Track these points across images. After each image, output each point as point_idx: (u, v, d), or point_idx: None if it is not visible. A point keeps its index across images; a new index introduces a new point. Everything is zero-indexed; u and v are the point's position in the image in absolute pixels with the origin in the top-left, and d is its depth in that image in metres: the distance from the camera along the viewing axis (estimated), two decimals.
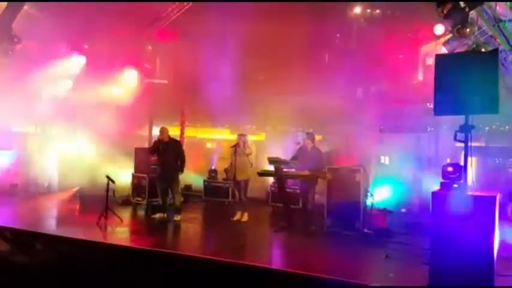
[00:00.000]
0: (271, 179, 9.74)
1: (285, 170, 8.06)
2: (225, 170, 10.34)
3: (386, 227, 7.67)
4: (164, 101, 12.98)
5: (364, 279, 5.17)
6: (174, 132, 11.84)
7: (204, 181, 10.84)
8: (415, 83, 11.08)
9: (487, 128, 10.27)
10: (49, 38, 10.89)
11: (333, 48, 12.67)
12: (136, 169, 10.05)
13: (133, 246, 6.52)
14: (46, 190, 11.32)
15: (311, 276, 5.12)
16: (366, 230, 7.47)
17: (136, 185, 9.86)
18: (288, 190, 8.86)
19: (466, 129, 4.97)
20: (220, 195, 10.50)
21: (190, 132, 14.30)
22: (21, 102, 11.10)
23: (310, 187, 8.00)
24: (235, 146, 8.60)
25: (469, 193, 4.80)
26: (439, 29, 8.48)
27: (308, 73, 11.04)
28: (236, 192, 8.82)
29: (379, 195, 8.46)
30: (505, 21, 7.15)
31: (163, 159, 8.58)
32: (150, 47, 13.31)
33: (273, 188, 9.78)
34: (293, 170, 8.04)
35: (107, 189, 8.18)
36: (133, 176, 9.99)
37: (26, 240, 6.74)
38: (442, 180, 4.98)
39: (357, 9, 12.35)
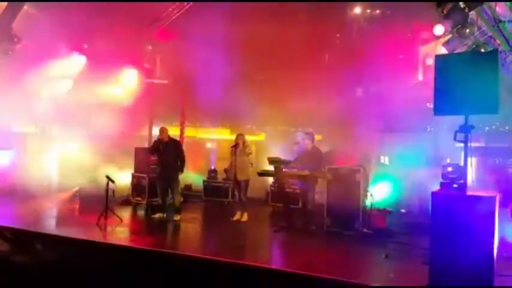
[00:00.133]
0: (271, 179, 9.74)
1: (284, 170, 8.06)
2: (225, 170, 10.34)
3: (386, 227, 7.68)
4: (164, 101, 12.98)
5: (364, 279, 5.18)
6: (174, 132, 11.84)
7: (204, 181, 10.85)
8: (415, 83, 11.09)
9: (487, 128, 10.27)
10: (49, 38, 10.88)
11: (333, 48, 12.68)
12: (136, 169, 10.05)
13: (133, 246, 6.52)
14: (46, 190, 11.31)
15: (311, 276, 5.12)
16: (365, 230, 7.47)
17: (136, 185, 9.86)
18: (287, 190, 8.86)
19: (465, 130, 4.97)
20: (220, 195, 10.51)
21: (190, 132, 14.30)
22: (21, 102, 11.11)
23: (310, 187, 8.00)
24: (235, 146, 8.60)
25: (469, 193, 4.81)
26: (439, 29, 8.48)
27: (308, 73, 11.04)
28: (236, 192, 8.82)
29: (379, 195, 8.45)
30: (504, 21, 7.15)
31: (163, 159, 8.59)
32: (150, 47, 13.31)
33: (272, 188, 9.78)
34: (294, 170, 8.04)
35: (107, 189, 8.18)
36: (133, 176, 9.99)
37: (26, 240, 6.74)
38: (441, 180, 4.98)
39: (357, 10, 12.36)
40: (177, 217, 8.46)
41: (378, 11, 12.28)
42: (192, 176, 11.06)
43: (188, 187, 11.26)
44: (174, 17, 12.12)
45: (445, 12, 7.26)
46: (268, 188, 10.13)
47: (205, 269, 5.68)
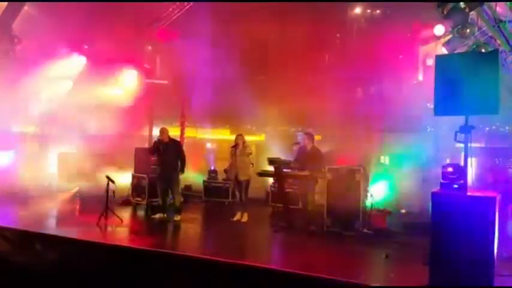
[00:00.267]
0: (271, 179, 9.74)
1: (284, 170, 8.06)
2: (225, 171, 10.35)
3: (386, 227, 7.67)
4: (164, 101, 12.99)
5: (364, 280, 5.17)
6: (174, 132, 11.84)
7: (204, 181, 10.84)
8: (415, 83, 11.09)
9: (487, 128, 10.27)
10: (49, 38, 10.89)
11: (333, 48, 12.68)
12: (136, 169, 10.04)
13: (133, 247, 6.52)
14: (46, 190, 11.31)
15: (311, 276, 5.12)
16: (365, 230, 7.47)
17: (136, 185, 9.85)
18: (287, 190, 8.86)
19: (466, 130, 4.97)
20: (220, 195, 10.50)
21: (190, 133, 14.31)
22: (21, 102, 11.11)
23: (310, 187, 8.00)
24: (235, 147, 8.60)
25: (469, 194, 4.80)
26: (439, 29, 8.49)
27: (308, 73, 11.05)
28: (237, 193, 8.82)
29: (379, 195, 8.46)
30: (505, 21, 7.15)
31: (163, 159, 8.58)
32: (150, 47, 13.32)
33: (272, 188, 9.78)
34: (294, 170, 8.04)
35: (107, 190, 8.17)
36: (133, 176, 9.98)
37: (26, 240, 6.74)
38: (442, 180, 4.98)
39: (357, 10, 12.37)
40: (177, 217, 8.46)
41: (378, 11, 12.29)
42: (192, 176, 11.04)
43: (188, 187, 11.24)
44: (174, 17, 12.12)
45: (445, 12, 7.26)
46: (268, 189, 10.11)
47: (206, 269, 5.68)
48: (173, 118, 13.69)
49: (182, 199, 8.97)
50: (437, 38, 8.83)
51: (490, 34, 7.47)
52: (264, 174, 8.56)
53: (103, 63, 11.87)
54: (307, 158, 7.96)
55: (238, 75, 11.74)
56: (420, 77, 11.04)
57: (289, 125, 13.43)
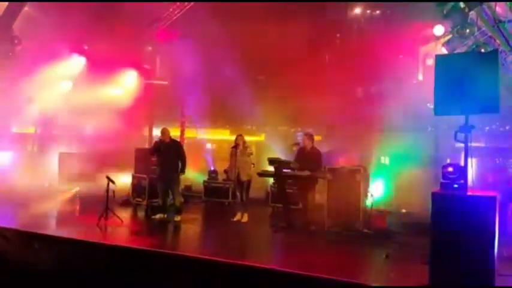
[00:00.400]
0: (271, 180, 9.73)
1: (284, 170, 8.06)
2: (225, 171, 10.35)
3: (386, 227, 7.67)
4: (164, 101, 13.00)
5: (364, 279, 5.18)
6: (174, 133, 11.84)
7: (204, 182, 10.84)
8: (415, 83, 11.09)
9: (487, 128, 10.27)
10: (49, 38, 10.90)
11: (333, 48, 12.68)
12: (136, 170, 10.04)
13: (133, 247, 6.51)
14: (46, 190, 11.31)
15: (311, 276, 5.11)
16: (365, 230, 7.47)
17: (136, 186, 9.85)
18: (287, 190, 8.86)
19: (466, 130, 4.97)
20: (220, 195, 10.49)
21: (190, 133, 14.32)
22: (22, 102, 11.12)
23: (310, 187, 7.99)
24: (235, 147, 8.60)
25: (470, 193, 4.80)
26: (439, 29, 8.49)
27: (308, 73, 11.05)
28: (237, 193, 8.82)
29: (379, 195, 8.46)
30: (504, 21, 7.16)
31: (164, 159, 8.57)
32: (150, 48, 13.33)
33: (273, 189, 9.78)
34: (294, 170, 8.03)
35: (107, 190, 8.17)
36: (133, 177, 9.98)
37: (26, 240, 6.74)
38: (442, 180, 4.98)
39: (357, 10, 12.37)
40: (177, 218, 8.45)
41: (378, 11, 12.29)
42: (192, 175, 11.03)
43: (188, 188, 11.25)
44: (174, 18, 12.12)
45: (445, 12, 7.27)
46: (269, 189, 10.12)
47: (206, 269, 5.68)
48: (173, 118, 13.70)
49: (182, 199, 8.96)
50: (437, 38, 8.82)
51: (489, 34, 7.47)
52: (264, 174, 8.56)
53: (103, 64, 11.88)
54: (307, 158, 7.95)
55: (238, 75, 11.75)
56: (420, 77, 11.04)
57: (289, 125, 13.43)
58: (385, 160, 10.46)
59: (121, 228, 7.82)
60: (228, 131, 14.79)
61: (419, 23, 9.94)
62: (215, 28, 11.26)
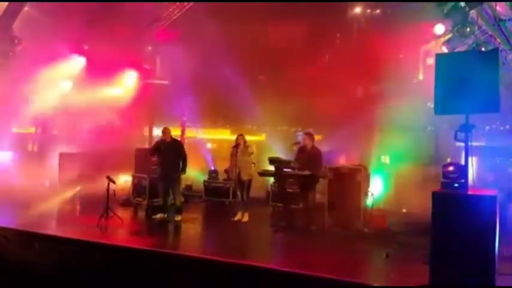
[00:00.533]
0: (271, 179, 9.73)
1: (285, 169, 8.05)
2: (225, 171, 10.34)
3: (386, 227, 7.67)
4: (164, 101, 12.99)
5: (364, 279, 5.17)
6: (174, 132, 11.83)
7: (204, 181, 10.83)
8: (415, 82, 11.08)
9: (487, 127, 10.26)
10: (49, 38, 10.90)
11: (333, 48, 12.68)
12: (137, 169, 10.04)
13: (133, 247, 6.51)
14: (46, 190, 11.30)
15: (311, 275, 5.11)
16: (366, 230, 7.47)
17: (137, 186, 9.84)
18: (288, 190, 8.85)
19: (466, 129, 4.96)
20: (221, 195, 10.48)
21: (191, 133, 14.31)
22: (22, 102, 11.11)
23: (311, 187, 7.99)
24: (236, 147, 8.60)
25: (470, 192, 4.79)
26: (440, 28, 8.47)
27: (308, 73, 11.04)
28: (238, 192, 8.81)
29: (379, 194, 8.46)
30: (505, 20, 7.15)
31: (165, 159, 8.56)
32: (150, 48, 13.32)
33: (273, 188, 9.77)
34: (295, 170, 8.03)
35: (108, 190, 8.17)
36: (134, 177, 9.98)
37: (26, 240, 6.73)
38: (442, 179, 4.97)
39: (357, 9, 12.36)
40: (178, 217, 8.45)
41: (378, 11, 12.28)
42: (193, 175, 11.02)
43: (189, 187, 11.24)
44: (174, 18, 12.12)
45: (445, 11, 7.26)
46: (269, 188, 10.11)
47: (206, 269, 5.68)
48: (173, 118, 13.68)
49: (183, 199, 8.96)
50: (438, 37, 8.81)
51: (490, 33, 7.46)
52: (264, 173, 8.56)
53: (103, 64, 11.87)
54: (307, 157, 7.95)
55: (239, 75, 11.75)
56: (420, 76, 11.03)
57: (289, 124, 13.42)
58: (386, 159, 10.45)
59: (121, 228, 7.81)
60: (228, 131, 14.78)
61: (419, 22, 9.93)
62: (215, 27, 11.25)
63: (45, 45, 11.00)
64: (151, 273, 5.84)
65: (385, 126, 10.13)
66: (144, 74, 13.04)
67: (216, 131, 15.34)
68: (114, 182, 8.33)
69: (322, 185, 8.04)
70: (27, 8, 10.24)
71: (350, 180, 7.60)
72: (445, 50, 7.94)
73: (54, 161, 11.95)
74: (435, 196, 4.77)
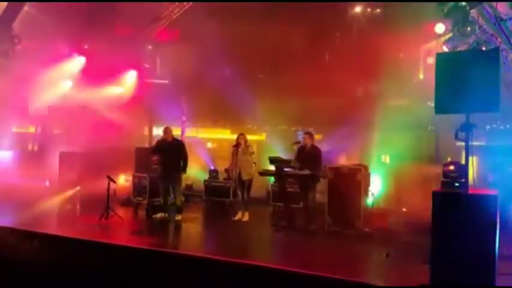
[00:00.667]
0: (272, 178, 9.73)
1: (285, 169, 8.05)
2: (226, 170, 10.34)
3: (386, 226, 7.66)
4: (164, 100, 12.98)
5: (364, 278, 5.17)
6: (174, 132, 11.82)
7: (205, 181, 10.82)
8: (416, 81, 11.07)
9: (488, 126, 10.26)
10: (49, 38, 10.89)
11: (333, 47, 12.67)
12: (137, 169, 10.04)
13: (134, 246, 6.51)
14: (47, 190, 11.30)
15: (311, 275, 5.11)
16: (366, 229, 7.46)
17: (137, 185, 9.84)
18: (288, 189, 8.85)
19: (466, 128, 4.95)
20: (221, 194, 10.48)
21: (191, 132, 14.30)
22: (22, 102, 11.11)
23: (311, 186, 7.98)
24: (237, 146, 8.60)
25: (470, 192, 4.78)
26: (440, 27, 8.46)
27: (308, 72, 11.04)
28: (238, 192, 8.81)
29: (379, 194, 8.45)
30: (505, 20, 7.14)
31: (166, 159, 8.55)
32: (150, 47, 13.32)
33: (273, 187, 9.77)
34: (295, 169, 8.03)
35: (108, 189, 8.17)
36: (134, 176, 9.98)
37: (26, 240, 6.73)
38: (443, 179, 4.97)
39: (358, 8, 12.35)
40: (178, 217, 8.45)
41: (378, 10, 12.27)
42: (194, 174, 11.02)
43: (189, 187, 11.24)
44: (174, 17, 12.11)
45: (445, 11, 7.25)
46: (269, 188, 10.11)
47: (206, 268, 5.68)
48: (173, 118, 13.67)
49: (183, 199, 8.96)
50: (438, 36, 8.80)
51: (490, 32, 7.45)
52: (265, 173, 8.55)
53: (103, 63, 11.87)
54: (307, 156, 7.94)
55: (239, 74, 11.74)
56: (421, 76, 11.02)
57: (289, 124, 13.42)
58: (386, 159, 10.45)
59: (122, 228, 7.82)
60: (228, 130, 14.77)
61: (420, 21, 9.92)
62: (215, 27, 11.25)
63: (45, 44, 11.01)
64: (152, 273, 5.84)
65: (385, 126, 10.12)
66: (145, 73, 13.03)
67: (216, 131, 15.33)
68: (114, 182, 8.33)
69: (322, 184, 8.04)
70: (27, 7, 10.23)
71: (350, 180, 7.59)
72: (445, 49, 7.93)
73: (54, 160, 11.95)
74: (435, 195, 4.76)
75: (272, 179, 9.55)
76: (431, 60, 9.94)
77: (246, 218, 8.55)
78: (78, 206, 9.87)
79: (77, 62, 12.11)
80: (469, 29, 7.22)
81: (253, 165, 8.69)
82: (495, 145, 9.41)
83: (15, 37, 10.00)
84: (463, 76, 4.86)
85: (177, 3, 11.86)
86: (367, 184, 7.87)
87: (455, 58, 5.47)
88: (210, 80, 11.99)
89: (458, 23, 7.30)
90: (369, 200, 7.76)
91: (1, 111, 10.79)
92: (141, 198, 9.68)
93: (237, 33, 11.31)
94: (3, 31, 9.60)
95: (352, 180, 7.57)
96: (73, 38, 11.77)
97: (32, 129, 13.16)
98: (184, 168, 8.62)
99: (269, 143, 12.43)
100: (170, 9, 12.04)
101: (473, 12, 7.24)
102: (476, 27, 7.39)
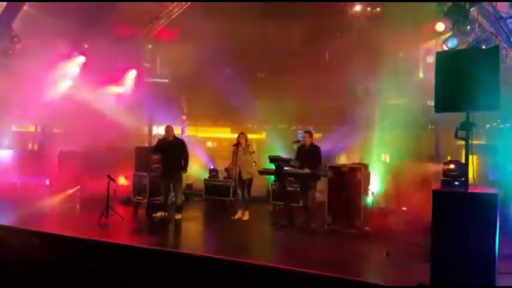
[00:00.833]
0: (272, 177, 9.72)
1: (285, 168, 8.05)
2: (226, 169, 10.34)
3: (387, 225, 7.66)
4: (164, 100, 12.98)
5: (364, 277, 5.17)
6: (174, 131, 11.82)
7: (205, 180, 10.82)
8: (415, 80, 11.06)
9: (488, 125, 10.25)
10: (49, 37, 10.88)
11: (333, 46, 12.66)
12: (137, 168, 10.03)
13: (134, 245, 6.51)
14: (46, 189, 11.30)
15: (311, 273, 5.11)
16: (366, 228, 7.46)
17: (137, 184, 9.84)
18: (288, 188, 8.85)
19: (466, 127, 4.94)
20: (221, 193, 10.47)
21: (191, 131, 14.30)
22: (22, 101, 11.11)
23: (311, 185, 7.98)
24: (237, 145, 8.59)
25: (471, 191, 4.78)
26: (440, 26, 8.45)
27: (308, 71, 11.03)
28: (239, 191, 8.81)
29: (379, 193, 8.45)
30: (505, 18, 7.13)
31: (167, 158, 8.55)
32: (150, 46, 13.31)
33: (273, 186, 9.77)
34: (295, 168, 8.03)
35: (108, 188, 8.17)
36: (134, 175, 9.97)
37: (26, 240, 6.73)
38: (443, 178, 4.96)
39: (357, 7, 12.34)
40: (178, 216, 8.45)
41: (378, 9, 12.26)
42: (194, 173, 11.01)
43: (189, 186, 11.24)
44: (173, 16, 12.11)
45: (445, 10, 7.24)
46: (269, 186, 10.11)
47: (207, 267, 5.68)
48: (173, 117, 13.67)
49: (184, 197, 8.96)
50: (438, 34, 8.79)
51: (490, 31, 7.45)
52: (265, 172, 8.55)
53: (103, 63, 11.86)
54: (307, 155, 7.94)
55: (239, 73, 11.73)
56: (421, 74, 11.01)
57: (289, 123, 13.42)
58: (386, 158, 10.45)
59: (122, 227, 7.82)
60: (228, 129, 14.78)
61: (420, 20, 9.91)
62: (215, 26, 11.23)
63: (44, 44, 10.99)
64: (152, 272, 5.84)
65: (385, 125, 10.12)
66: (144, 72, 13.03)
67: (216, 130, 15.33)
68: (114, 181, 8.33)
69: (322, 183, 8.04)
70: (26, 7, 10.22)
71: (350, 179, 7.58)
72: (445, 48, 7.92)
73: (54, 159, 11.94)
74: (435, 194, 4.76)
75: (272, 178, 9.55)
76: (431, 59, 9.94)
77: (246, 217, 8.56)
78: (78, 205, 9.86)
79: (77, 62, 12.09)
80: (468, 27, 7.21)
81: (254, 164, 8.69)
82: (495, 144, 9.40)
83: (15, 36, 9.99)
84: (463, 75, 4.84)
85: (176, 2, 11.85)
86: (367, 183, 7.87)
87: (455, 57, 5.45)
88: (210, 79, 11.97)
89: (458, 21, 7.28)
90: (369, 199, 7.76)
91: (1, 110, 10.77)
92: (141, 197, 9.68)
93: (237, 32, 11.29)
94: (3, 30, 9.59)
95: (352, 179, 7.57)
96: (73, 37, 11.74)
97: (32, 129, 13.15)
98: (185, 167, 8.62)
99: (269, 141, 12.43)
100: (170, 8, 12.03)
101: (473, 11, 7.24)
102: (476, 25, 7.38)
